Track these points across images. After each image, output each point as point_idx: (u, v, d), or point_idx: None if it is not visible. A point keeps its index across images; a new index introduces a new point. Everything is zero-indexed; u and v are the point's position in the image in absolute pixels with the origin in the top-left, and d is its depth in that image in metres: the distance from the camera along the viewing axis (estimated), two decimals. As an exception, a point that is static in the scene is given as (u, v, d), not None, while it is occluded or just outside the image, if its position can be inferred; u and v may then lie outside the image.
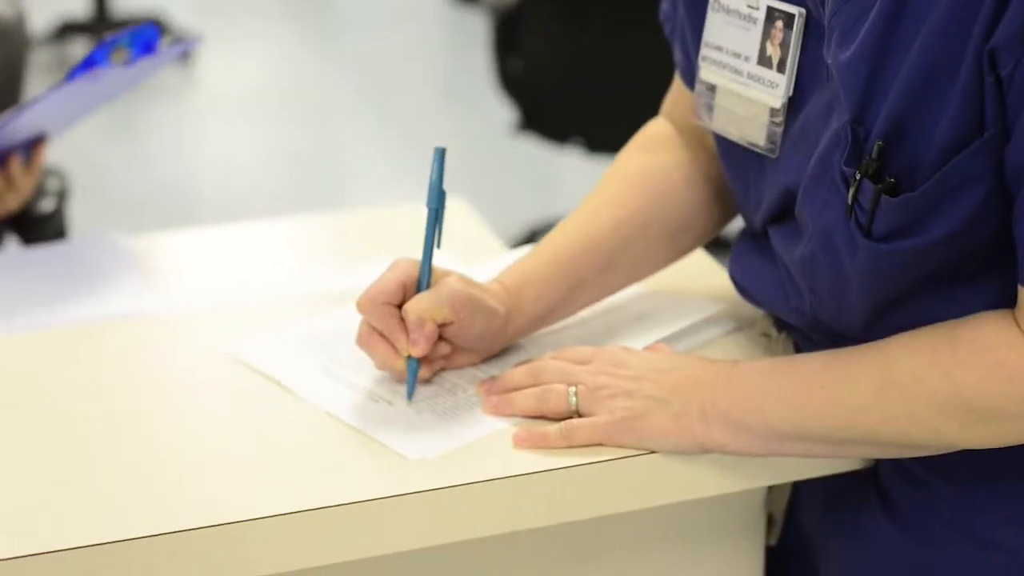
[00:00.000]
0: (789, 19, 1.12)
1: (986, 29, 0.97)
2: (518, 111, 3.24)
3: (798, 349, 1.25)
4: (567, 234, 1.28)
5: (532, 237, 3.39)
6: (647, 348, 1.23)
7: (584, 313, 1.32)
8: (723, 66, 1.18)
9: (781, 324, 1.27)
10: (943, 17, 0.99)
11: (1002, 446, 1.08)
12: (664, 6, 1.30)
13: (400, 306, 1.19)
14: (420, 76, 5.23)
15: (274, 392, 1.22)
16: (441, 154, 1.19)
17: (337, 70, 5.33)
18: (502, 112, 4.19)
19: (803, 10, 1.12)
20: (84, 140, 4.36)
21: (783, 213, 1.17)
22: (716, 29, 1.19)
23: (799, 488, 1.26)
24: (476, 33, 5.36)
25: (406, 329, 1.17)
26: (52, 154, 1.91)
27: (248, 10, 6.32)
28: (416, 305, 1.17)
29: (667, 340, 1.27)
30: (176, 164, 4.44)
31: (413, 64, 5.32)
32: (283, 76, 5.39)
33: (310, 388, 1.21)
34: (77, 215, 2.44)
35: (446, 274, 1.21)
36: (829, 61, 1.08)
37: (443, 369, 1.23)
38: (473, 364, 1.24)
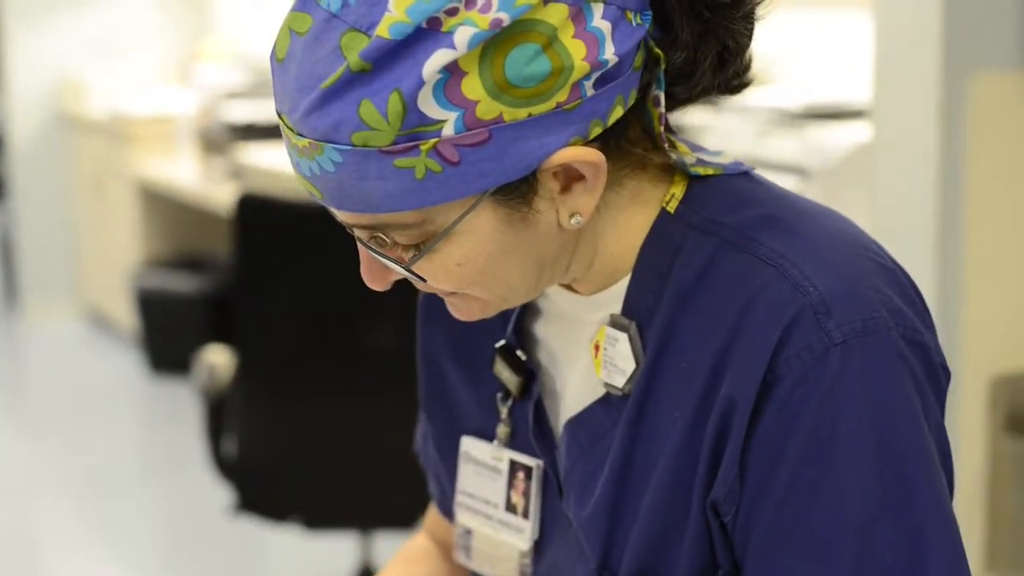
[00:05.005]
0: (528, 471, 1.24)
1: (704, 488, 1.09)
2: (234, 493, 3.27)
3: None
4: None
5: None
6: None
7: None
8: (476, 512, 1.29)
9: None
10: (667, 474, 1.11)
11: None
12: (417, 439, 1.40)
13: None
14: (118, 453, 5.17)
15: None
16: None
17: (32, 450, 5.23)
18: (212, 488, 4.19)
19: (540, 463, 1.24)
20: None
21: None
22: (467, 478, 1.30)
23: None
24: (181, 406, 5.36)
25: None
26: None
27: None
28: None
29: None
30: None
31: (110, 440, 5.26)
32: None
33: None
34: None
35: None
36: (570, 515, 1.19)
37: None
38: None
